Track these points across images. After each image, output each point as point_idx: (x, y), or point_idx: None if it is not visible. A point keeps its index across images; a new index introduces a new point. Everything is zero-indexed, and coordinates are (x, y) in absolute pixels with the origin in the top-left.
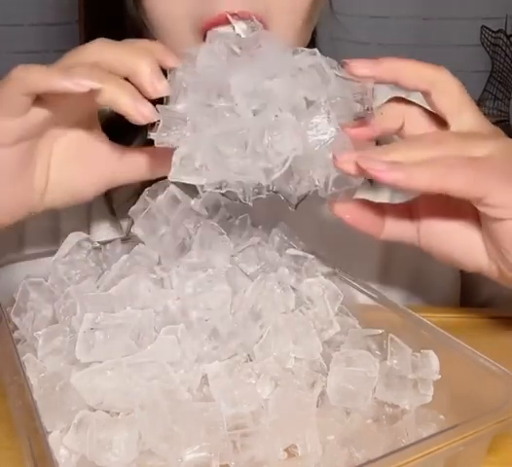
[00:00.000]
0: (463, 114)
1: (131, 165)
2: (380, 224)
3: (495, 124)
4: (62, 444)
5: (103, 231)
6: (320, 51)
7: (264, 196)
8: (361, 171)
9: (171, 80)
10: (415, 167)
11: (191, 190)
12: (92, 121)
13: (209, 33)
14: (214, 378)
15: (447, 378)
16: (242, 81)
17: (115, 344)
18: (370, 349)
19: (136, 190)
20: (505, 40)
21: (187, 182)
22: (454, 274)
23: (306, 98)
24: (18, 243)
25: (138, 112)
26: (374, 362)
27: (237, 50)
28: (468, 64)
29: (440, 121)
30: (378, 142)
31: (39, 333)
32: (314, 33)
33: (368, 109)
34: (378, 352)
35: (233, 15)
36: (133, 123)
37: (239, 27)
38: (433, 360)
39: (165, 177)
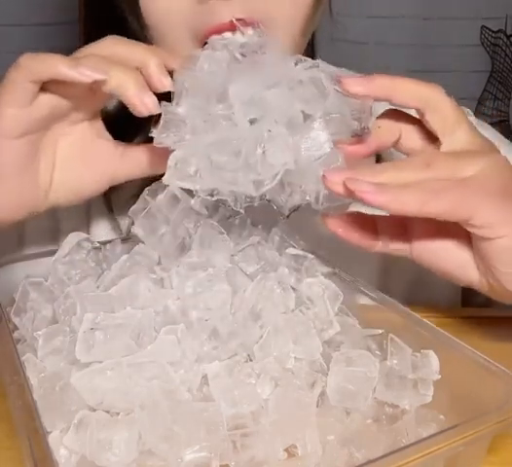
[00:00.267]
0: (455, 133)
1: (133, 162)
2: (372, 237)
3: (496, 124)
4: (62, 444)
5: (103, 231)
6: (319, 52)
7: (256, 204)
8: (349, 193)
9: (175, 80)
10: (401, 192)
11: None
12: (96, 118)
13: (212, 39)
14: (214, 378)
15: (447, 378)
16: (242, 89)
17: (115, 344)
18: (370, 349)
19: (136, 190)
20: (505, 40)
21: (180, 186)
22: None
23: (303, 112)
24: (18, 243)
25: (142, 102)
26: (374, 362)
27: (240, 56)
28: (468, 64)
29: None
30: (378, 156)
31: (39, 333)
32: (312, 35)
33: (365, 127)
34: (378, 352)
35: (239, 20)
36: (136, 114)
37: (246, 33)
38: (433, 360)
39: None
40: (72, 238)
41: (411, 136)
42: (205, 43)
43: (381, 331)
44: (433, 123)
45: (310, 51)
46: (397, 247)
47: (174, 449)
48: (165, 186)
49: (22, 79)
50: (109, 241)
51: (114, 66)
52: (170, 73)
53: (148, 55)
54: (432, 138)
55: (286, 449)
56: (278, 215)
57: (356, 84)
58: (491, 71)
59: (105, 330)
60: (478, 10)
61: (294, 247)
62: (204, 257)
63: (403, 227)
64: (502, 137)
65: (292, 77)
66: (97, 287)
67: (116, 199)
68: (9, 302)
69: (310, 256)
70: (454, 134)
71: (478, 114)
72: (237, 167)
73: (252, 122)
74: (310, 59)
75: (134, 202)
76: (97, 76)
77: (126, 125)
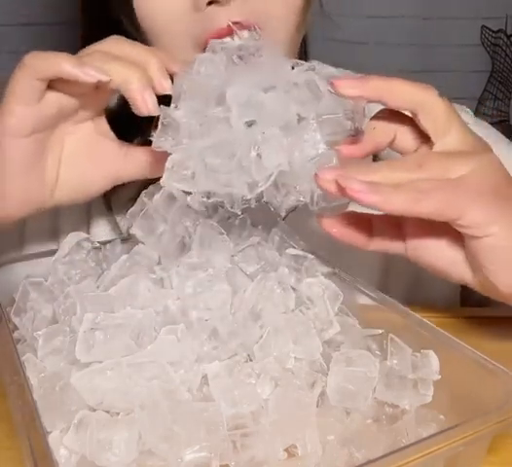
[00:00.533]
0: (448, 134)
1: (136, 163)
2: (367, 236)
3: (496, 124)
4: (62, 444)
5: (103, 231)
6: (316, 52)
7: (252, 206)
8: (341, 191)
9: (174, 83)
10: (392, 192)
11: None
12: (100, 117)
13: (212, 42)
14: (214, 378)
15: (447, 378)
16: (239, 92)
17: (115, 344)
18: (370, 349)
19: (136, 191)
20: (505, 40)
21: (177, 188)
22: None
23: (298, 114)
24: (19, 243)
25: (144, 100)
26: (374, 362)
27: (237, 60)
28: (468, 64)
29: None
30: (375, 156)
31: (39, 333)
32: (305, 37)
33: (358, 128)
34: (378, 352)
35: (235, 23)
36: (136, 112)
37: (242, 36)
38: (433, 360)
39: None
40: (72, 238)
41: (405, 137)
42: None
43: (381, 331)
44: (426, 124)
45: (304, 49)
46: (392, 245)
47: (174, 449)
48: (162, 187)
49: (28, 77)
50: (109, 241)
51: (119, 62)
52: (171, 76)
53: (150, 57)
54: (426, 138)
55: (286, 449)
56: (276, 216)
57: (348, 86)
58: (491, 71)
59: (105, 330)
60: (478, 10)
61: (294, 247)
62: (204, 257)
63: (397, 225)
64: (503, 136)
65: (288, 80)
66: (97, 287)
67: (115, 200)
68: (9, 302)
69: (311, 256)
70: (446, 135)
71: (478, 114)
72: (230, 169)
73: (249, 124)
74: (306, 62)
75: (133, 204)
76: (101, 77)
77: (126, 126)
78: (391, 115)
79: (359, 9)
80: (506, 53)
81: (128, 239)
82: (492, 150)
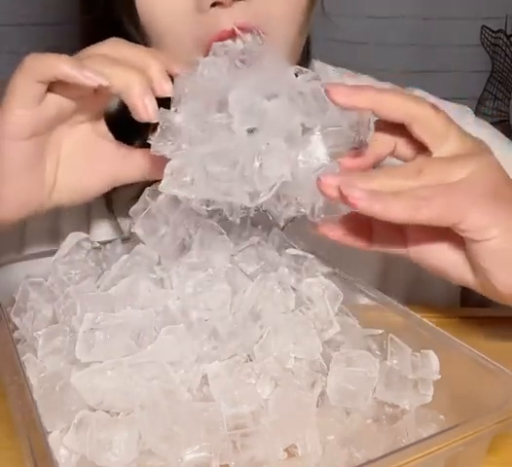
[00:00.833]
0: (446, 143)
1: (135, 165)
2: (367, 238)
3: (496, 124)
4: (62, 444)
5: (103, 231)
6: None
7: (251, 214)
8: (342, 197)
9: (174, 85)
10: (392, 200)
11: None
12: (98, 119)
13: (215, 45)
14: (214, 378)
15: (447, 378)
16: (241, 97)
17: (115, 344)
18: (370, 349)
19: (138, 192)
20: (505, 40)
21: (176, 194)
22: None
23: (303, 125)
24: (19, 243)
25: (144, 106)
26: (374, 362)
27: (240, 64)
28: (468, 64)
29: None
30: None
31: (39, 333)
32: (308, 38)
33: (363, 141)
34: (378, 352)
35: (239, 27)
36: (135, 118)
37: (245, 39)
38: (433, 360)
39: None
40: (72, 238)
41: (404, 147)
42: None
43: (381, 331)
44: (422, 135)
45: (307, 52)
46: (393, 247)
47: (174, 449)
48: None
49: (29, 79)
50: (109, 241)
51: (119, 66)
52: (171, 78)
53: (150, 59)
54: (424, 146)
55: (286, 449)
56: (274, 225)
57: (343, 94)
58: (491, 71)
59: (105, 330)
60: (478, 10)
61: (294, 247)
62: (204, 257)
63: (398, 227)
64: (503, 136)
65: (292, 87)
66: (97, 287)
67: (117, 201)
68: (9, 302)
69: (311, 256)
70: (444, 144)
71: (478, 114)
72: (232, 178)
73: (250, 131)
74: (310, 71)
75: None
76: (101, 81)
77: (126, 128)
78: (389, 125)
79: (359, 9)
80: (506, 54)
81: (128, 239)
82: (491, 152)
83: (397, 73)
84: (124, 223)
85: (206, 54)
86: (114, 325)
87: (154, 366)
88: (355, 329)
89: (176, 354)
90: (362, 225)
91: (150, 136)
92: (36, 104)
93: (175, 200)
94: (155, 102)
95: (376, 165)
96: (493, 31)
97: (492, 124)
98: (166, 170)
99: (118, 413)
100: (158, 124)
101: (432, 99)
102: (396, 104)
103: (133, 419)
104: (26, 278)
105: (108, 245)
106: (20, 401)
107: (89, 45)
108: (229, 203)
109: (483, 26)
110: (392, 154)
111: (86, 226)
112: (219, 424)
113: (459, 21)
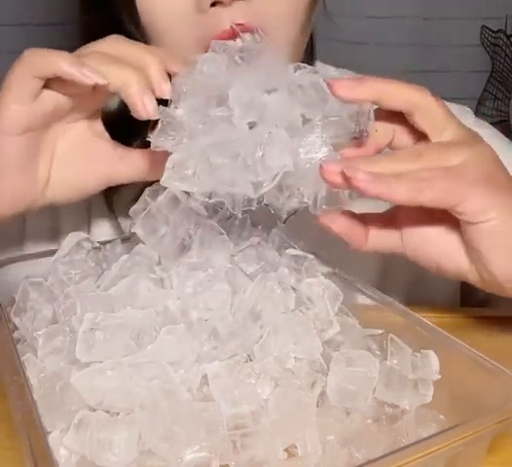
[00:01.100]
0: (445, 131)
1: (132, 165)
2: (364, 236)
3: (496, 124)
4: (62, 444)
5: (103, 231)
6: (318, 53)
7: (253, 208)
8: (346, 182)
9: (173, 84)
10: (394, 182)
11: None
12: (95, 117)
13: (214, 43)
14: (214, 378)
15: (447, 378)
16: (241, 92)
17: (115, 344)
18: (370, 349)
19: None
20: (505, 40)
21: (178, 188)
22: None
23: (303, 116)
24: (19, 243)
25: (143, 105)
26: (374, 362)
27: (239, 60)
28: (468, 64)
29: None
30: None
31: (39, 333)
32: (312, 37)
33: (363, 131)
34: (378, 352)
35: (238, 25)
36: (135, 116)
37: (244, 38)
38: (433, 360)
39: None
40: (72, 238)
41: (402, 136)
42: None
43: (381, 331)
44: (423, 123)
45: (310, 52)
46: (389, 244)
47: (174, 449)
48: (166, 188)
49: (26, 74)
50: (109, 241)
51: (118, 64)
52: (170, 75)
53: (150, 58)
54: (420, 135)
55: (286, 449)
56: (276, 218)
57: (345, 87)
58: (491, 71)
59: (105, 330)
60: (478, 10)
61: (294, 247)
62: (204, 257)
63: (392, 223)
64: (503, 136)
65: (292, 81)
66: (97, 287)
67: (117, 201)
68: (9, 302)
69: (310, 256)
70: (443, 132)
71: (478, 114)
72: (235, 169)
73: (251, 125)
74: (308, 66)
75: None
76: (99, 79)
77: (125, 128)
78: (388, 115)
79: (359, 9)
80: (506, 54)
81: (128, 239)
82: (484, 140)
83: (397, 73)
84: (125, 223)
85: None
86: (114, 325)
87: (154, 366)
88: (355, 329)
89: (176, 354)
90: (359, 224)
91: (149, 134)
92: (32, 100)
93: (175, 200)
94: (154, 100)
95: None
96: (493, 31)
97: (492, 124)
98: (168, 164)
99: (118, 413)
100: (157, 122)
101: None
102: (399, 93)
103: (133, 419)
104: (26, 278)
105: (108, 245)
106: (20, 401)
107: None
108: (231, 196)
109: (483, 26)
110: (391, 144)
111: (86, 226)
112: (219, 424)
113: (459, 21)
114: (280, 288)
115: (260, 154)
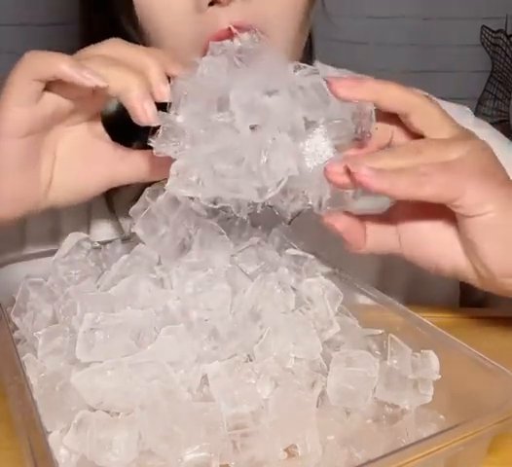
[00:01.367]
0: (440, 131)
1: (132, 167)
2: (363, 237)
3: (496, 124)
4: (62, 444)
5: (103, 231)
6: (318, 52)
7: (258, 211)
8: (352, 181)
9: (173, 87)
10: (396, 177)
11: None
12: (95, 120)
13: (212, 44)
14: (214, 378)
15: (447, 378)
16: (242, 95)
17: (115, 344)
18: (370, 349)
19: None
20: (505, 40)
21: (183, 194)
22: None
23: (305, 118)
24: (19, 243)
25: (143, 110)
26: (374, 362)
27: (239, 62)
28: (468, 64)
29: None
30: None
31: (39, 333)
32: (311, 37)
33: (365, 132)
34: (378, 352)
35: (235, 26)
36: (135, 121)
37: (242, 38)
38: (433, 360)
39: (167, 178)
40: (72, 238)
41: (400, 136)
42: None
43: (381, 331)
44: (420, 124)
45: (309, 51)
46: (387, 245)
47: (174, 449)
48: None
49: (26, 77)
50: (109, 241)
51: (117, 67)
52: (169, 78)
53: (149, 61)
54: (417, 136)
55: (286, 449)
56: (280, 220)
57: (345, 87)
58: (491, 71)
59: (105, 330)
60: (478, 10)
61: (294, 247)
62: (204, 257)
63: (389, 223)
64: (503, 136)
65: (293, 82)
66: (97, 287)
67: (118, 201)
68: (9, 302)
69: (310, 256)
70: (439, 133)
71: (478, 114)
72: (239, 175)
73: (253, 128)
74: (308, 66)
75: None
76: (99, 82)
77: (125, 130)
78: (386, 116)
79: (359, 9)
80: (506, 54)
81: (128, 239)
82: (479, 138)
83: (397, 73)
84: (125, 223)
85: (204, 54)
86: (114, 325)
87: (154, 366)
88: (355, 329)
89: (176, 354)
90: (359, 225)
91: (150, 139)
92: (33, 102)
93: (175, 200)
94: (154, 106)
95: None
96: (493, 31)
97: (492, 124)
98: (172, 171)
99: (118, 413)
100: (157, 127)
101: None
102: (396, 95)
103: (133, 419)
104: (26, 278)
105: (108, 245)
106: (20, 401)
107: (88, 45)
108: (236, 200)
109: (483, 26)
110: (390, 144)
111: (86, 226)
112: (219, 424)
113: (459, 21)
114: (280, 288)
115: (264, 159)
